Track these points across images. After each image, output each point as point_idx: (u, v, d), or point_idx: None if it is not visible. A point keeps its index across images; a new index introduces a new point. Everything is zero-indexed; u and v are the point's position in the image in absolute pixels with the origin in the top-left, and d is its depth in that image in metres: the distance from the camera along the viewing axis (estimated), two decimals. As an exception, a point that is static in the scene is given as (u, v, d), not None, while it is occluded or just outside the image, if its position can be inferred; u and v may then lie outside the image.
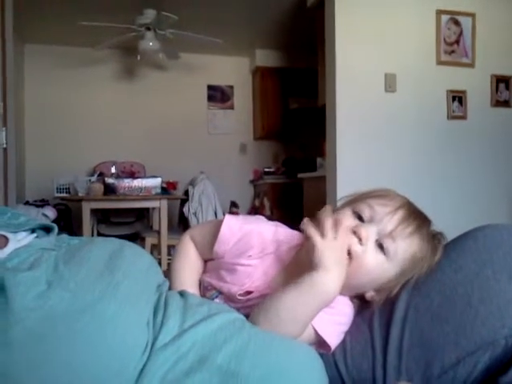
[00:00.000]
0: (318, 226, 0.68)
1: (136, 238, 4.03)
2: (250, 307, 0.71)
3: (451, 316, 0.68)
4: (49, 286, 0.54)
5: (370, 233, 0.71)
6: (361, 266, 0.70)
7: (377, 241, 0.71)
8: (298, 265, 0.72)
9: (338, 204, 0.80)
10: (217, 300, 0.77)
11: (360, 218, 0.74)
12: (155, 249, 3.66)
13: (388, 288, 0.73)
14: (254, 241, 0.77)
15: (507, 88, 3.47)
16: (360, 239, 0.70)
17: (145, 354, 0.54)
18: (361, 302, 0.77)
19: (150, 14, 4.10)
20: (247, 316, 0.68)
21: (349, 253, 0.69)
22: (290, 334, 0.65)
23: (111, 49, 4.98)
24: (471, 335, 0.66)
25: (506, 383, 0.65)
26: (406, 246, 0.72)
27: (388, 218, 0.72)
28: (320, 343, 0.71)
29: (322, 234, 0.67)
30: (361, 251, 0.70)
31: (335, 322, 0.73)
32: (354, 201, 0.77)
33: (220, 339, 0.57)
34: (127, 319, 0.55)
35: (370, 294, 0.75)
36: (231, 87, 5.82)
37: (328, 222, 0.68)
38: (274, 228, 0.79)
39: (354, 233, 0.70)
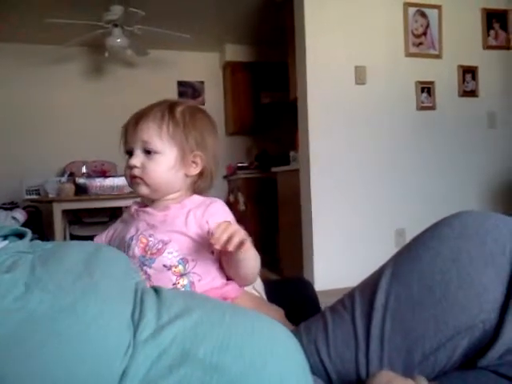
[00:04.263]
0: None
1: (110, 238, 3.97)
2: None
3: (430, 303, 0.69)
4: (27, 289, 0.53)
5: (134, 159, 0.88)
6: (152, 176, 0.88)
7: (144, 150, 0.88)
8: None
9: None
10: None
11: (128, 153, 0.91)
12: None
13: (196, 162, 0.91)
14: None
15: (473, 78, 3.55)
16: (133, 166, 0.88)
17: (128, 352, 0.53)
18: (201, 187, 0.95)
19: (116, 10, 4.02)
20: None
21: (138, 177, 0.89)
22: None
23: (78, 46, 4.87)
24: (450, 321, 0.68)
25: (485, 366, 0.66)
26: (156, 136, 0.88)
27: (133, 134, 0.89)
28: None
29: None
30: (143, 171, 0.88)
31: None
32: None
33: (200, 333, 0.57)
34: (109, 319, 0.54)
35: (193, 169, 0.92)
36: (202, 83, 5.77)
37: None
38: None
39: (129, 167, 0.89)
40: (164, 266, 0.83)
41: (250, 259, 0.84)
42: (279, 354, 0.59)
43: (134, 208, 0.94)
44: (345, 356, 0.72)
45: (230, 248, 0.75)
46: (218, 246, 0.75)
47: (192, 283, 0.84)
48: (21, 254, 0.61)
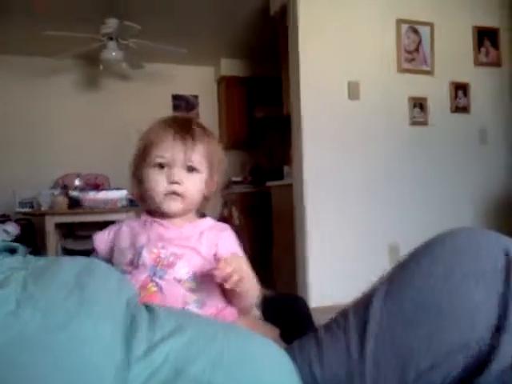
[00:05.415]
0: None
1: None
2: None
3: (423, 322, 0.69)
4: (18, 305, 0.53)
5: (176, 176, 0.88)
6: (191, 194, 0.89)
7: (187, 167, 0.89)
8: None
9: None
10: None
11: (163, 166, 0.89)
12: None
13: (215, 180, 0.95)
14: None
15: (465, 94, 3.59)
16: (177, 182, 0.87)
17: (120, 370, 0.53)
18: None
19: (112, 24, 4.05)
20: None
21: (177, 194, 0.88)
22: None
23: (73, 59, 4.89)
24: (444, 340, 0.67)
25: (481, 384, 0.66)
26: (199, 155, 0.90)
27: (178, 150, 0.88)
28: None
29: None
30: (185, 187, 0.88)
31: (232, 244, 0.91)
32: (148, 156, 0.91)
33: (193, 351, 0.56)
34: (102, 337, 0.54)
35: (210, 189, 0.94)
36: (196, 97, 5.80)
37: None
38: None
39: (172, 182, 0.88)
40: (175, 278, 0.83)
41: (245, 294, 0.84)
42: (272, 373, 0.59)
43: (145, 217, 0.94)
44: (339, 375, 0.72)
45: (227, 286, 0.77)
46: (218, 279, 0.77)
47: (202, 300, 0.84)
48: (13, 270, 0.61)
